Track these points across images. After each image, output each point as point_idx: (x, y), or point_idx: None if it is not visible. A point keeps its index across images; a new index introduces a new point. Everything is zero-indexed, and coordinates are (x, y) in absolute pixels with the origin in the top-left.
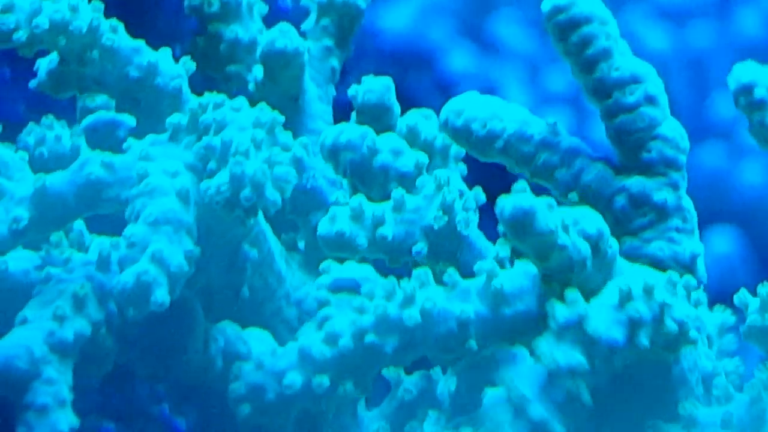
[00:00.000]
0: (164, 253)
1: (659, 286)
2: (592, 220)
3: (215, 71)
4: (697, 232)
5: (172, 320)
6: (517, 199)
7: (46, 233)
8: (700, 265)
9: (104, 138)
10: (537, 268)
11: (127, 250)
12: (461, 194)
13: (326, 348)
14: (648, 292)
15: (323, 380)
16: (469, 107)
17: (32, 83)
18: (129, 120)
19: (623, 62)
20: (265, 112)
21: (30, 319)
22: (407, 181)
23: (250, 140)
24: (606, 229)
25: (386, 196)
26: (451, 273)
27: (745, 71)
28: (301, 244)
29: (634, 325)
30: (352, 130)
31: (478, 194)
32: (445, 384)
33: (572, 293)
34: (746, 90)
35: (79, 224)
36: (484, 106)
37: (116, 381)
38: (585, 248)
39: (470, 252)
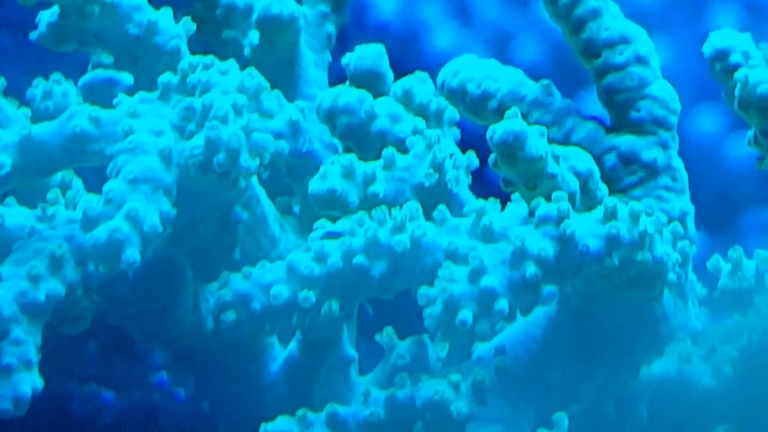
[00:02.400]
0: (139, 212)
1: (645, 218)
2: (583, 159)
3: (212, 36)
4: (687, 192)
5: (161, 279)
6: (508, 123)
7: (30, 182)
8: (690, 224)
9: (101, 95)
10: (526, 203)
11: (104, 206)
12: (452, 154)
13: (315, 265)
14: (633, 217)
15: (309, 295)
16: (465, 69)
17: (32, 35)
18: (126, 78)
19: (613, 23)
20: (251, 77)
21: (5, 276)
22: (405, 147)
23: (230, 105)
24: (596, 170)
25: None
26: (442, 210)
27: (720, 37)
28: (296, 208)
29: (610, 242)
30: (349, 94)
31: (471, 158)
32: (435, 351)
33: (559, 193)
34: (721, 56)
35: (77, 182)
36: (479, 67)
37: (115, 350)
38: (574, 183)
39: (461, 210)
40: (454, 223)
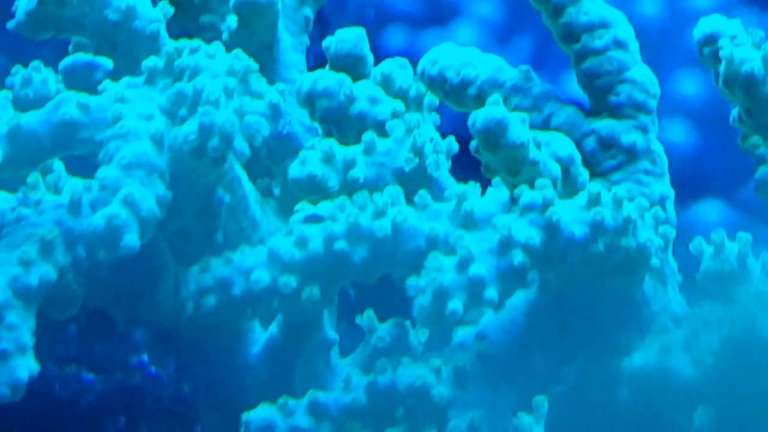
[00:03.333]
0: (136, 197)
1: (628, 204)
2: (564, 145)
3: (190, 21)
4: (667, 176)
5: (141, 263)
6: (490, 110)
7: (20, 172)
8: (670, 208)
9: (81, 80)
10: (507, 189)
11: (99, 192)
12: (431, 139)
13: (296, 250)
14: (617, 203)
15: (290, 280)
16: (444, 56)
17: (10, 24)
18: (106, 63)
19: (592, 7)
20: (239, 59)
21: None
22: (384, 129)
23: (221, 89)
24: (578, 156)
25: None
26: (423, 195)
27: (709, 23)
28: (277, 191)
29: (595, 228)
30: (329, 77)
31: (451, 143)
32: (416, 335)
33: (543, 181)
34: (710, 40)
35: (58, 166)
36: (458, 55)
37: (95, 332)
38: (556, 168)
39: (441, 194)
40: (435, 208)
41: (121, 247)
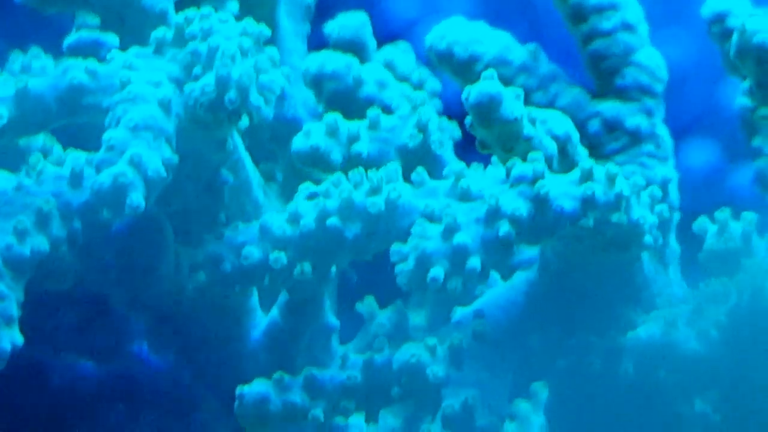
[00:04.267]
0: (143, 158)
1: (622, 180)
2: (561, 123)
3: (192, 6)
4: (671, 159)
5: (142, 239)
6: (483, 84)
7: (26, 135)
8: (672, 191)
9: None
10: (503, 170)
11: (105, 153)
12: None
13: (287, 226)
14: (610, 179)
15: (281, 256)
16: (453, 32)
17: None
18: (112, 40)
19: None
20: (252, 24)
21: None
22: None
23: (237, 46)
24: (576, 135)
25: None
26: (420, 172)
27: (718, 1)
28: (279, 175)
29: (585, 203)
30: (337, 60)
31: (454, 129)
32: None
33: (535, 154)
34: (719, 18)
35: (58, 148)
36: (467, 31)
37: (94, 320)
38: (552, 146)
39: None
40: (432, 185)
41: (126, 205)
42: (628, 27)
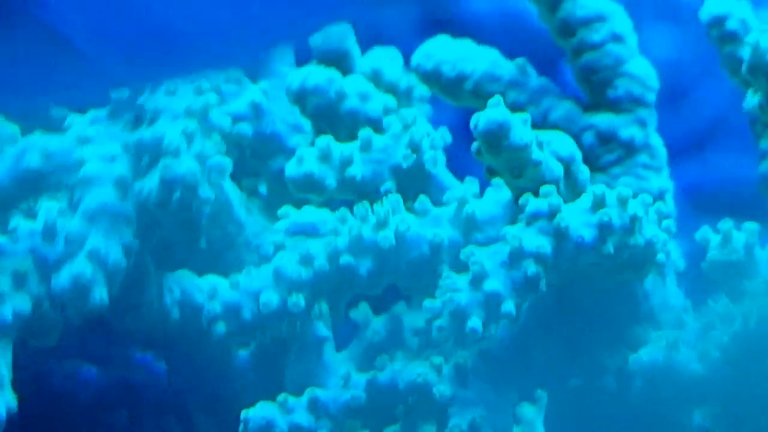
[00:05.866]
0: (101, 251)
1: (633, 202)
2: (565, 143)
3: None
4: (666, 169)
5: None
6: (492, 112)
7: None
8: (669, 202)
9: None
10: (510, 190)
11: (64, 247)
12: (428, 134)
13: (302, 269)
14: (622, 202)
15: (299, 300)
16: (439, 51)
17: None
18: None
19: (588, 1)
20: (197, 98)
21: None
22: (376, 126)
23: (181, 133)
24: (578, 153)
25: (354, 140)
26: (423, 200)
27: (717, 3)
28: (263, 188)
29: (603, 230)
30: (318, 74)
31: (444, 134)
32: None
33: (548, 188)
34: (718, 22)
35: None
36: (454, 49)
37: (96, 326)
38: (558, 168)
39: (439, 190)
40: (436, 212)
41: (90, 303)
42: (617, 38)
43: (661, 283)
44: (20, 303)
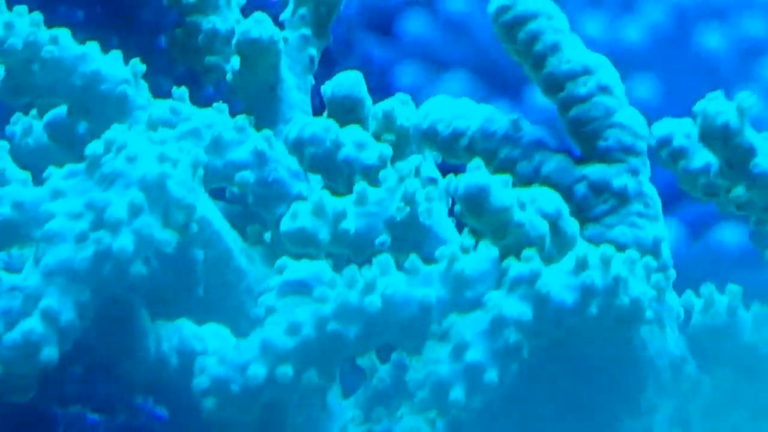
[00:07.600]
0: (54, 309)
1: (617, 260)
2: (550, 199)
3: (194, 63)
4: (661, 217)
5: (116, 324)
6: (471, 176)
7: None
8: (665, 250)
9: (63, 134)
10: (496, 249)
11: (21, 303)
12: (426, 183)
13: (288, 338)
14: (605, 262)
15: (287, 370)
16: (436, 109)
17: None
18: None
19: (574, 55)
20: (153, 166)
21: None
22: (372, 174)
23: (126, 205)
24: (565, 208)
25: (352, 189)
26: (413, 259)
27: (661, 126)
28: (267, 236)
29: (585, 292)
30: (315, 124)
31: (451, 181)
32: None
33: (529, 252)
34: (665, 142)
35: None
36: (449, 107)
37: (99, 372)
38: (543, 226)
39: (435, 242)
40: (426, 271)
41: (39, 361)
42: (604, 89)
43: (659, 333)
44: None
